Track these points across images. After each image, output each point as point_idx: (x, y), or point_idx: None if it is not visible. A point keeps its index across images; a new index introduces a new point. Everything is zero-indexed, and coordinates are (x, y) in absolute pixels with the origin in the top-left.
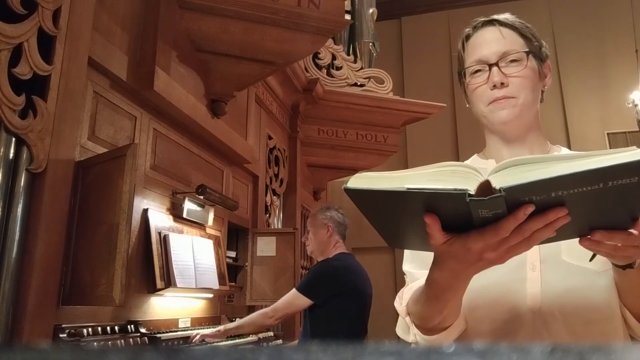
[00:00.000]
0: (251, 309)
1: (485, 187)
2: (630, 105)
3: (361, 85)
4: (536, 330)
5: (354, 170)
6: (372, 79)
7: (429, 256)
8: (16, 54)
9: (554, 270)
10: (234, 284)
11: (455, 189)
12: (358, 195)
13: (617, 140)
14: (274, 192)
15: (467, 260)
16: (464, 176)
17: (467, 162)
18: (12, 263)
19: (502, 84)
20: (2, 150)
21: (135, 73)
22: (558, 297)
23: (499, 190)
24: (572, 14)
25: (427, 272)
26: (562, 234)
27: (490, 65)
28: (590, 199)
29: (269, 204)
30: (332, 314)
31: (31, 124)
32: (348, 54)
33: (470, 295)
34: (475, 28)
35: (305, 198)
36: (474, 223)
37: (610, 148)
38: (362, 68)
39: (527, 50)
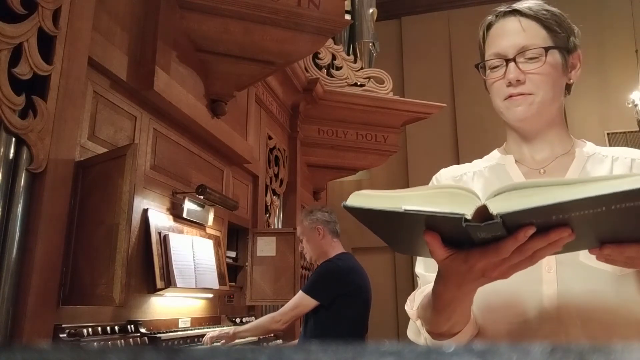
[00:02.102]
0: (251, 309)
1: (483, 211)
2: (630, 105)
3: (361, 85)
4: (553, 333)
5: (354, 170)
6: (372, 79)
7: None
8: (16, 54)
9: (571, 272)
10: (234, 284)
11: (452, 213)
12: (357, 212)
13: (617, 140)
14: (274, 192)
15: (470, 277)
16: (462, 199)
17: (487, 156)
18: (12, 263)
19: (518, 80)
20: (2, 150)
21: (135, 73)
22: (576, 300)
23: (496, 216)
24: (572, 14)
25: None
26: (569, 248)
27: (508, 61)
28: (595, 219)
29: (269, 204)
30: (336, 315)
31: (31, 124)
32: (348, 54)
33: (485, 296)
34: (497, 17)
35: (305, 198)
36: (475, 242)
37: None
38: (362, 68)
39: (547, 46)
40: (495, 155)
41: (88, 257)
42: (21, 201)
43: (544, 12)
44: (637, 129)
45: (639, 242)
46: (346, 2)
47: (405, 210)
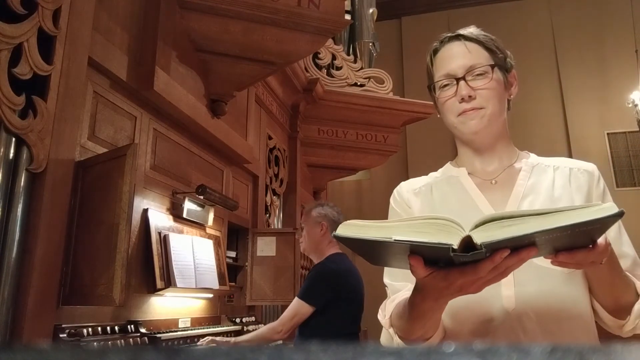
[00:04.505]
0: (251, 309)
1: (467, 240)
2: (630, 105)
3: (361, 85)
4: (512, 329)
5: (354, 170)
6: (372, 79)
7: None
8: (16, 54)
9: (526, 273)
10: (234, 284)
11: (440, 243)
12: (347, 240)
13: (617, 140)
14: (274, 192)
15: (448, 292)
16: (448, 230)
17: (441, 169)
18: (12, 263)
19: (469, 96)
20: (2, 150)
21: (135, 73)
22: (531, 298)
23: (480, 246)
24: (572, 14)
25: (406, 283)
26: None
27: (458, 79)
28: (559, 238)
29: (269, 204)
30: (330, 317)
31: (31, 124)
32: (348, 54)
33: (451, 300)
34: (442, 42)
35: (305, 198)
36: (455, 262)
37: (611, 148)
38: (362, 68)
39: (492, 63)
40: (449, 168)
41: (88, 257)
42: (21, 201)
43: (484, 36)
44: (637, 129)
45: (586, 248)
46: (346, 2)
47: (395, 240)
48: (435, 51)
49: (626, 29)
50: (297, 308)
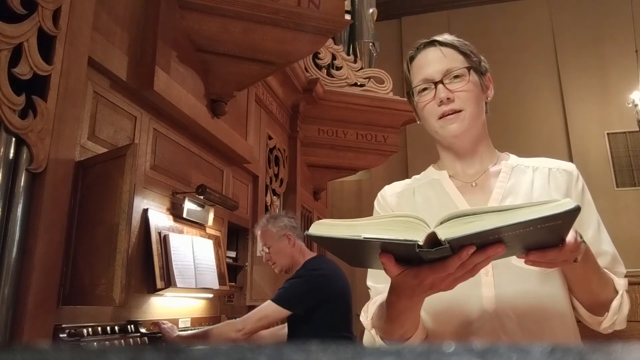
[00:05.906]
0: (251, 309)
1: (432, 237)
2: (630, 105)
3: (361, 85)
4: (494, 330)
5: (354, 170)
6: (372, 79)
7: None
8: (16, 54)
9: (505, 274)
10: (234, 284)
11: (406, 240)
12: (320, 240)
13: (617, 140)
14: (274, 192)
15: (420, 289)
16: (414, 227)
17: (424, 172)
18: (12, 263)
19: (448, 99)
20: (2, 150)
21: (135, 73)
22: (511, 299)
23: (444, 241)
24: (572, 14)
25: (388, 286)
26: (501, 256)
27: (436, 83)
28: (523, 235)
29: (269, 204)
30: (319, 323)
31: (31, 124)
32: (348, 54)
33: (433, 302)
34: (418, 49)
35: (305, 198)
36: (424, 260)
37: (611, 148)
38: (362, 68)
39: (468, 66)
40: (431, 171)
41: (88, 257)
42: (21, 201)
43: (458, 41)
44: (637, 129)
45: (556, 247)
46: (346, 2)
47: (364, 238)
48: (412, 59)
49: (626, 29)
50: (267, 311)
